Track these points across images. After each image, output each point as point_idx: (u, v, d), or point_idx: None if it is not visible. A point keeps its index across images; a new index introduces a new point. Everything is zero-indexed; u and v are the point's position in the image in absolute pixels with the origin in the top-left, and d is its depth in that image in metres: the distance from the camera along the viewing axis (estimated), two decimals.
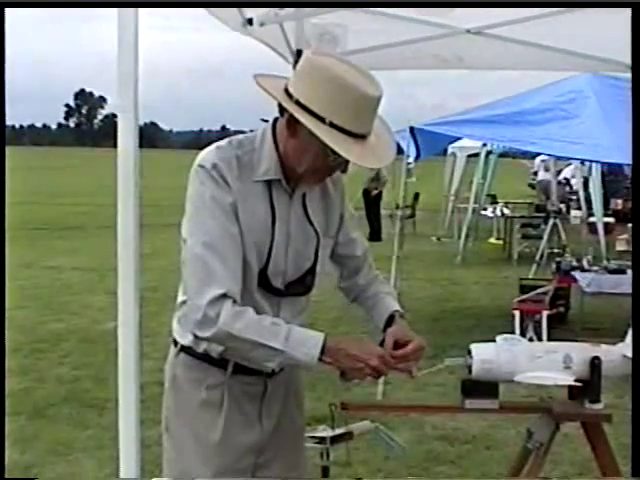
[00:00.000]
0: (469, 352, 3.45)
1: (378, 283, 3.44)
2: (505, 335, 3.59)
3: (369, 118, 2.88)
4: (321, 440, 2.96)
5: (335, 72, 2.79)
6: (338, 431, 3.06)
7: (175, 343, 3.14)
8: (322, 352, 2.85)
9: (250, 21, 4.70)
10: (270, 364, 2.90)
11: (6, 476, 5.95)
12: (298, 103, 2.82)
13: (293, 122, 2.87)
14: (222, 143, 3.04)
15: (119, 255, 2.97)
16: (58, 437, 7.02)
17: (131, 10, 2.87)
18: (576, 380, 3.51)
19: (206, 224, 2.91)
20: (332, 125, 2.79)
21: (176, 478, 3.14)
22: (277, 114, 3.00)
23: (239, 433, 3.13)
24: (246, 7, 4.64)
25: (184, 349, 3.11)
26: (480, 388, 3.48)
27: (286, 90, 2.88)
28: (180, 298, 3.07)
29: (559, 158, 17.31)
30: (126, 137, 2.94)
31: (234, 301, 2.87)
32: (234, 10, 4.61)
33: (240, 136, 3.09)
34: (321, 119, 2.79)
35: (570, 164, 22.12)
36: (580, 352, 3.54)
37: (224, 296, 2.84)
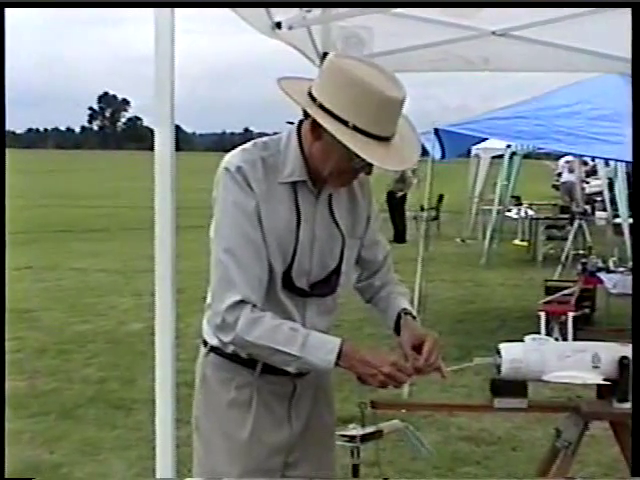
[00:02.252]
0: (498, 352, 3.46)
1: (393, 285, 3.44)
2: (533, 335, 3.60)
3: (392, 121, 2.87)
4: (351, 438, 2.98)
5: (357, 75, 2.80)
6: (368, 429, 3.08)
7: (205, 343, 3.17)
8: (338, 357, 2.88)
9: (278, 25, 4.73)
10: (289, 368, 2.96)
11: (33, 476, 6.09)
12: (321, 107, 2.83)
13: (317, 125, 2.87)
14: (247, 145, 3.06)
15: (156, 256, 3.00)
16: (86, 437, 7.08)
17: (168, 16, 2.89)
18: (604, 379, 3.52)
19: (227, 230, 2.95)
20: (355, 128, 2.79)
21: (206, 478, 3.17)
22: (302, 116, 3.01)
23: (268, 433, 3.15)
24: (269, 7, 4.66)
25: (213, 349, 3.14)
26: (509, 387, 3.49)
27: (310, 93, 2.89)
28: (209, 299, 3.09)
29: (583, 157, 17.27)
30: (163, 141, 2.97)
31: (254, 306, 2.91)
32: (263, 14, 4.64)
33: (265, 138, 3.11)
34: (344, 122, 2.79)
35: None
36: (608, 351, 3.54)
37: (242, 302, 2.89)
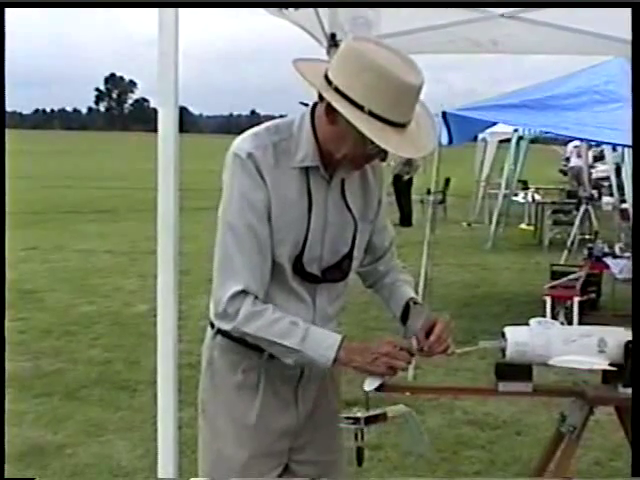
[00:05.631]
0: (503, 335, 3.44)
1: (397, 271, 3.42)
2: (539, 318, 3.57)
3: (409, 107, 2.81)
4: (355, 420, 2.97)
5: (374, 59, 2.73)
6: (373, 412, 3.07)
7: (212, 325, 3.12)
8: (337, 352, 2.90)
9: (286, 5, 4.72)
10: (288, 361, 2.94)
11: (37, 456, 6.10)
12: (337, 90, 2.76)
13: (332, 109, 2.80)
14: (259, 129, 2.99)
15: (159, 238, 2.99)
16: (90, 418, 7.07)
17: None
18: (610, 364, 3.50)
19: (233, 218, 2.92)
20: (371, 114, 2.72)
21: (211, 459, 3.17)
22: (313, 98, 2.94)
23: (275, 416, 3.14)
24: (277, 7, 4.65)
25: (221, 331, 3.09)
26: (514, 371, 3.46)
27: (326, 76, 2.81)
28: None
29: (590, 142, 17.20)
30: (166, 122, 2.95)
31: (256, 297, 2.91)
32: None
33: (278, 121, 3.04)
34: (359, 107, 2.72)
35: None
36: (614, 336, 3.51)
37: (243, 292, 2.88)
